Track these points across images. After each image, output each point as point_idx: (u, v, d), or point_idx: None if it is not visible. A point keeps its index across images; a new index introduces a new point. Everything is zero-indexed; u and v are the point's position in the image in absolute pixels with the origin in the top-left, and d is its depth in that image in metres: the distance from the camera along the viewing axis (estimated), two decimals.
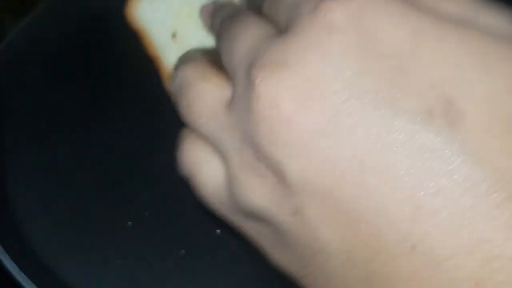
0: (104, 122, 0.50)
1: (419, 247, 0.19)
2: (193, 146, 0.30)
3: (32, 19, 0.56)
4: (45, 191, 0.44)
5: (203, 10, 0.41)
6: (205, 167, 0.29)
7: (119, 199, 0.44)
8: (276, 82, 0.22)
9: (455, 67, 0.20)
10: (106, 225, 0.42)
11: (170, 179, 0.44)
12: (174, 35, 0.45)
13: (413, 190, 0.20)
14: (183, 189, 0.41)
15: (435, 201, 0.19)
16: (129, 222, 0.43)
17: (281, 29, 0.25)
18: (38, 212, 0.43)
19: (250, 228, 0.29)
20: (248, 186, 0.25)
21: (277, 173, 0.23)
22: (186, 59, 0.35)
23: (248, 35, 0.25)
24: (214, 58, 0.31)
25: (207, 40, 0.42)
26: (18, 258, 0.38)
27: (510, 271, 0.18)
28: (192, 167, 0.31)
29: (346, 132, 0.21)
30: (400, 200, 0.20)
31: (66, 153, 0.47)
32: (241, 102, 0.24)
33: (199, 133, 0.29)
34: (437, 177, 0.19)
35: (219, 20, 0.33)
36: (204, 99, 0.28)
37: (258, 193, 0.24)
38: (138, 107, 0.50)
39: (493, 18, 0.22)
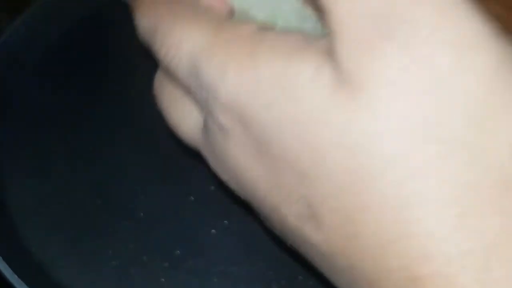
0: (100, 122, 0.50)
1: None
2: (168, 90, 0.28)
3: (27, 18, 0.55)
4: (41, 192, 0.44)
5: None
6: (180, 108, 0.27)
7: (114, 200, 0.44)
8: None
9: None
10: (102, 226, 0.42)
11: (165, 179, 0.43)
12: None
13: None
14: (178, 189, 0.41)
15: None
16: (125, 223, 0.42)
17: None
18: (34, 214, 0.43)
19: None
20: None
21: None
22: None
23: None
24: None
25: None
26: (12, 260, 0.37)
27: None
28: (166, 109, 0.29)
29: None
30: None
31: (62, 154, 0.47)
32: None
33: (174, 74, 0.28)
34: None
35: None
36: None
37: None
38: (135, 107, 0.50)
39: None
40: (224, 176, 0.26)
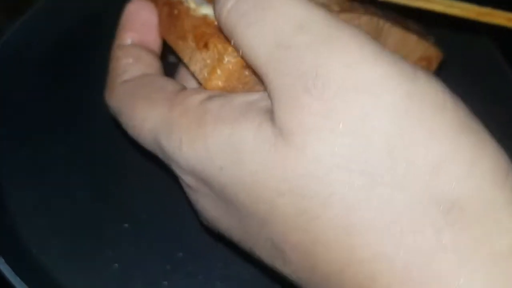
0: (101, 122, 0.50)
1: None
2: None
3: (27, 19, 0.55)
4: (41, 194, 0.44)
5: None
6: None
7: (115, 202, 0.44)
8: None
9: None
10: (103, 228, 0.42)
11: (167, 181, 0.43)
12: None
13: None
14: (179, 192, 0.40)
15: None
16: (126, 225, 0.42)
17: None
18: (35, 216, 0.42)
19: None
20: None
21: None
22: None
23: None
24: None
25: None
26: (13, 261, 0.37)
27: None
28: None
29: None
30: None
31: (62, 156, 0.47)
32: None
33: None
34: None
35: None
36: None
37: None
38: None
39: None
40: (204, 222, 0.29)
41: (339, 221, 0.20)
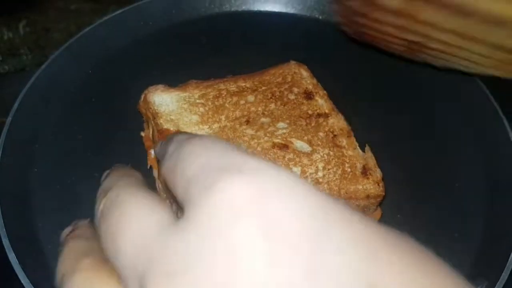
0: (123, 159, 0.53)
1: None
2: None
3: (51, 62, 0.59)
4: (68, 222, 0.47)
5: None
6: None
7: None
8: None
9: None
10: None
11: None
12: None
13: None
14: None
15: None
16: None
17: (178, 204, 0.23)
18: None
19: None
20: None
21: None
22: None
23: (136, 226, 0.22)
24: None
25: None
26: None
27: None
28: None
29: None
30: None
31: (88, 192, 0.50)
32: None
33: None
34: None
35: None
36: None
37: None
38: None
39: None
40: None
41: None
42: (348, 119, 0.53)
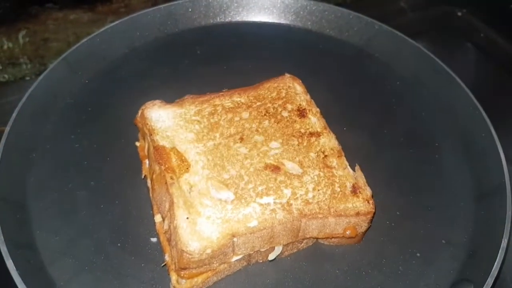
0: (120, 168, 0.53)
1: None
2: None
3: (49, 73, 0.60)
4: (67, 234, 0.48)
5: None
6: None
7: (132, 242, 0.48)
8: None
9: None
10: (122, 268, 0.47)
11: None
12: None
13: None
14: None
15: None
16: (142, 264, 0.47)
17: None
18: (61, 255, 0.47)
19: None
20: None
21: None
22: None
23: None
24: None
25: None
26: None
27: None
28: None
29: None
30: None
31: (85, 199, 0.51)
32: None
33: None
34: None
35: None
36: None
37: None
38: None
39: None
40: None
41: None
42: (339, 131, 0.54)
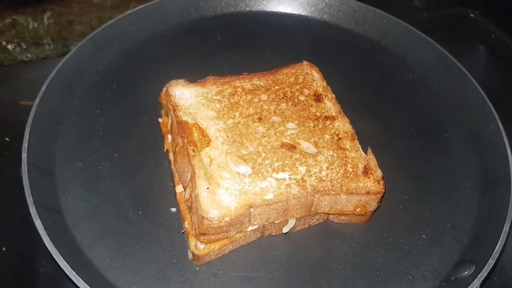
0: (143, 142, 0.56)
1: None
2: None
3: (76, 51, 0.63)
4: (91, 203, 0.51)
5: None
6: None
7: (152, 211, 0.51)
8: None
9: None
10: (142, 234, 0.49)
11: None
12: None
13: None
14: None
15: None
16: (162, 231, 0.49)
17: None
18: (86, 221, 0.50)
19: None
20: None
21: None
22: None
23: None
24: None
25: None
26: (69, 258, 0.44)
27: None
28: None
29: None
30: None
31: (109, 170, 0.54)
32: None
33: None
34: None
35: None
36: None
37: None
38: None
39: None
40: None
41: None
42: (352, 118, 0.56)
